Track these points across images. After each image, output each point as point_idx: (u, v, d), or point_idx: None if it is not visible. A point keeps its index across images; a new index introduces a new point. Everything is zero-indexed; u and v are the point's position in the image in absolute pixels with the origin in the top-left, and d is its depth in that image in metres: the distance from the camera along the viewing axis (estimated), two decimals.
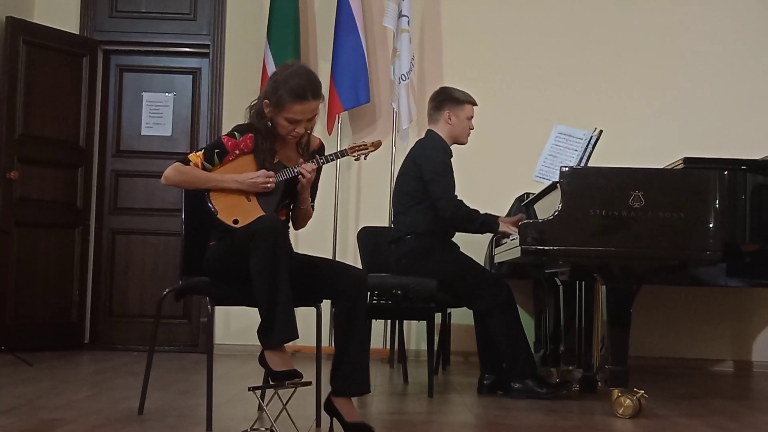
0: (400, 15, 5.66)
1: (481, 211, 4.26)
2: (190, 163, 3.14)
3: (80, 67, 5.98)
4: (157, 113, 6.20)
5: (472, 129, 4.43)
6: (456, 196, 4.22)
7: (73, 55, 5.95)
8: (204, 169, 3.14)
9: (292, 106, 3.10)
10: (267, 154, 3.18)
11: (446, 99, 4.39)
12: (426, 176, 4.23)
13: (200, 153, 3.17)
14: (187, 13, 6.13)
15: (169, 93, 6.22)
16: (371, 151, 3.35)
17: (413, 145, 4.49)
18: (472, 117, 4.42)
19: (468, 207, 4.24)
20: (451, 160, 4.33)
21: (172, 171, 3.14)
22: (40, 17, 5.98)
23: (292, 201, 3.28)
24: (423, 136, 4.46)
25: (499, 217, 4.33)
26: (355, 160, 3.37)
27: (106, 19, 6.12)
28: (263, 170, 3.14)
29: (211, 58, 6.05)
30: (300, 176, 3.16)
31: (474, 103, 4.42)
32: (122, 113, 6.22)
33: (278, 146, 3.23)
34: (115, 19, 6.12)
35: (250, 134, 3.19)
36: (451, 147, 4.38)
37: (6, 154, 5.55)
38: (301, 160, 3.23)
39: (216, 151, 3.17)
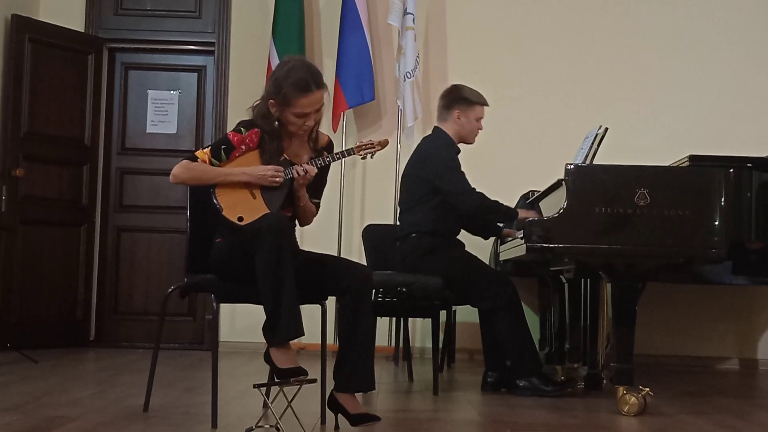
0: (405, 13, 5.65)
1: None
2: (198, 160, 3.14)
3: (85, 65, 5.99)
4: (162, 111, 6.20)
5: (480, 129, 4.41)
6: (474, 189, 4.20)
7: (79, 52, 5.96)
8: (211, 165, 3.14)
9: (299, 101, 3.10)
10: (273, 153, 3.17)
11: (457, 98, 4.35)
12: (436, 175, 4.20)
13: (207, 150, 3.17)
14: (192, 11, 6.13)
15: (174, 91, 6.22)
16: (378, 150, 3.34)
17: (419, 142, 4.48)
18: (481, 118, 4.39)
19: (488, 198, 4.21)
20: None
21: (180, 168, 3.13)
22: (45, 15, 5.98)
23: None
24: (429, 133, 4.45)
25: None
26: (362, 158, 3.36)
27: (112, 17, 6.12)
28: (272, 165, 3.14)
29: (216, 55, 6.06)
30: (296, 176, 3.14)
31: (485, 104, 4.39)
32: (127, 111, 6.22)
33: (286, 144, 3.23)
34: (120, 16, 6.13)
35: (256, 129, 3.18)
36: (458, 145, 4.37)
37: (11, 151, 5.55)
38: (313, 157, 3.22)
39: (223, 147, 3.16)
